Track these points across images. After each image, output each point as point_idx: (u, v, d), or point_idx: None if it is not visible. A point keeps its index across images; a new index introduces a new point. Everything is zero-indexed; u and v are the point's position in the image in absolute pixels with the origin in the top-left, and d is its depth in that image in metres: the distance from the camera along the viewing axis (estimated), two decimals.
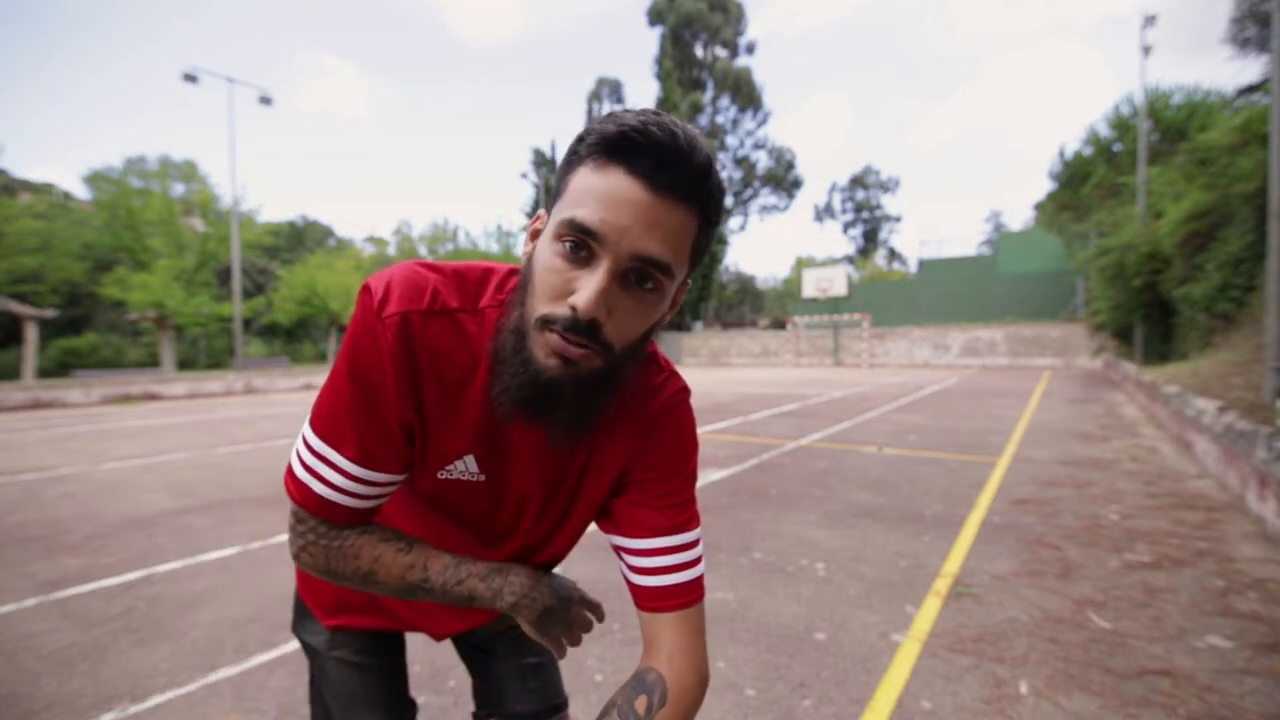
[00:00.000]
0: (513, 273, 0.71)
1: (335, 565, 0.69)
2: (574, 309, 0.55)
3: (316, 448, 0.65)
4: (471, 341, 0.65)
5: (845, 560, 3.10)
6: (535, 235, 0.65)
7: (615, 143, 0.55)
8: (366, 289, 0.63)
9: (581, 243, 0.55)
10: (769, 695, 1.95)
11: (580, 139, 0.58)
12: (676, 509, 0.74)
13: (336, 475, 0.65)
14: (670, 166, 0.55)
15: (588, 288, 0.55)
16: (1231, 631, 2.28)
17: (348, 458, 0.64)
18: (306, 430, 0.67)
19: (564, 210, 0.57)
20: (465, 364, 0.66)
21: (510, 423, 0.66)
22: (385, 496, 0.70)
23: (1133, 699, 1.88)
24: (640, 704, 0.66)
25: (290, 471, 0.68)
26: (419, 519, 0.79)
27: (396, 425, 0.65)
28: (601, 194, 0.55)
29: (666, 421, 0.75)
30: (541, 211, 0.65)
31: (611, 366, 0.60)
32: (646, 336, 0.63)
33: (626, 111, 0.57)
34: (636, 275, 0.57)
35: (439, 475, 0.72)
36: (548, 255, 0.58)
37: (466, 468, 0.71)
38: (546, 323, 0.57)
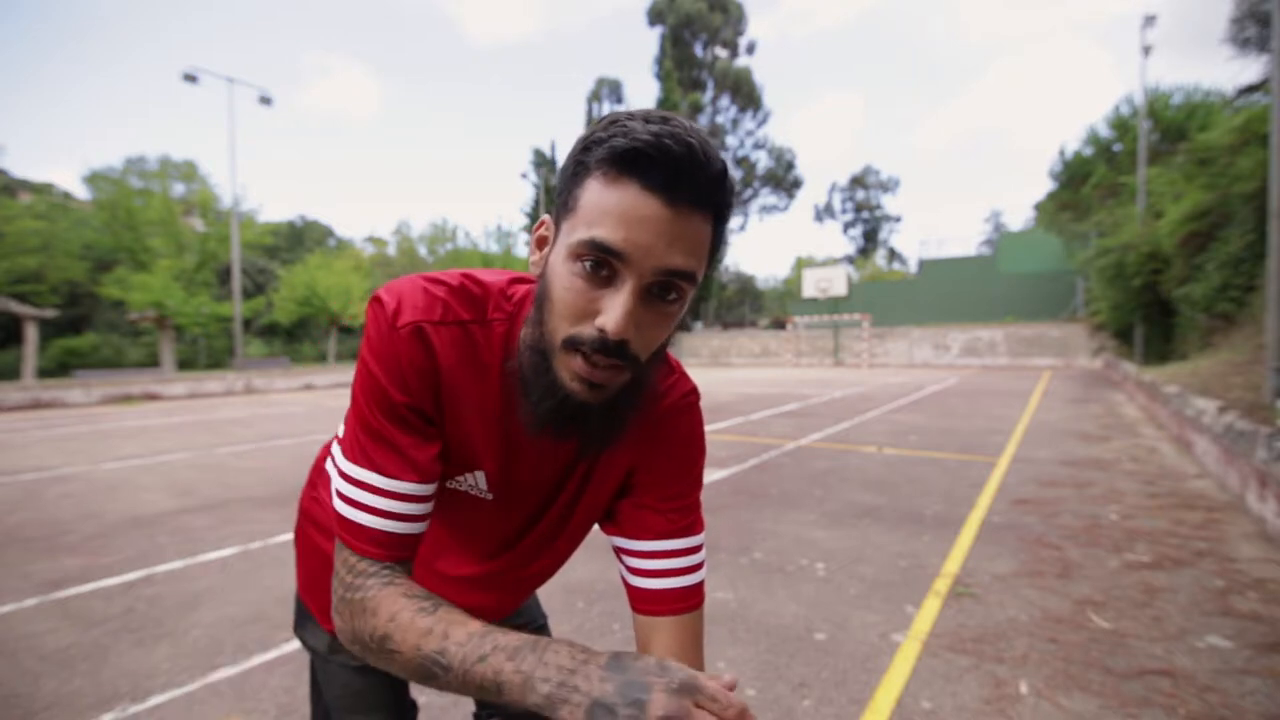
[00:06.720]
0: (516, 281, 0.70)
1: (357, 625, 0.60)
2: (602, 331, 0.54)
3: (353, 475, 0.63)
4: (481, 352, 0.65)
5: (845, 560, 3.10)
6: (541, 244, 0.63)
7: (627, 156, 0.52)
8: (379, 301, 0.62)
9: (603, 262, 0.54)
10: (769, 695, 1.95)
11: (586, 148, 0.56)
12: (680, 513, 0.73)
13: (377, 498, 0.62)
14: (687, 180, 0.53)
15: (615, 309, 0.53)
16: (1231, 631, 2.28)
17: (388, 475, 0.62)
18: (341, 463, 0.64)
19: (579, 229, 0.54)
20: (475, 375, 0.65)
21: (533, 438, 0.65)
22: (427, 515, 0.66)
23: (1133, 699, 1.88)
24: None
25: (335, 509, 0.65)
26: None
27: (425, 431, 0.64)
28: (619, 211, 0.53)
29: (674, 424, 0.73)
30: (545, 218, 0.63)
31: (637, 377, 0.60)
32: (667, 343, 0.63)
33: (632, 118, 0.55)
34: (660, 288, 0.56)
35: (447, 485, 0.71)
36: (565, 275, 0.56)
37: (476, 483, 0.71)
38: (572, 344, 0.56)
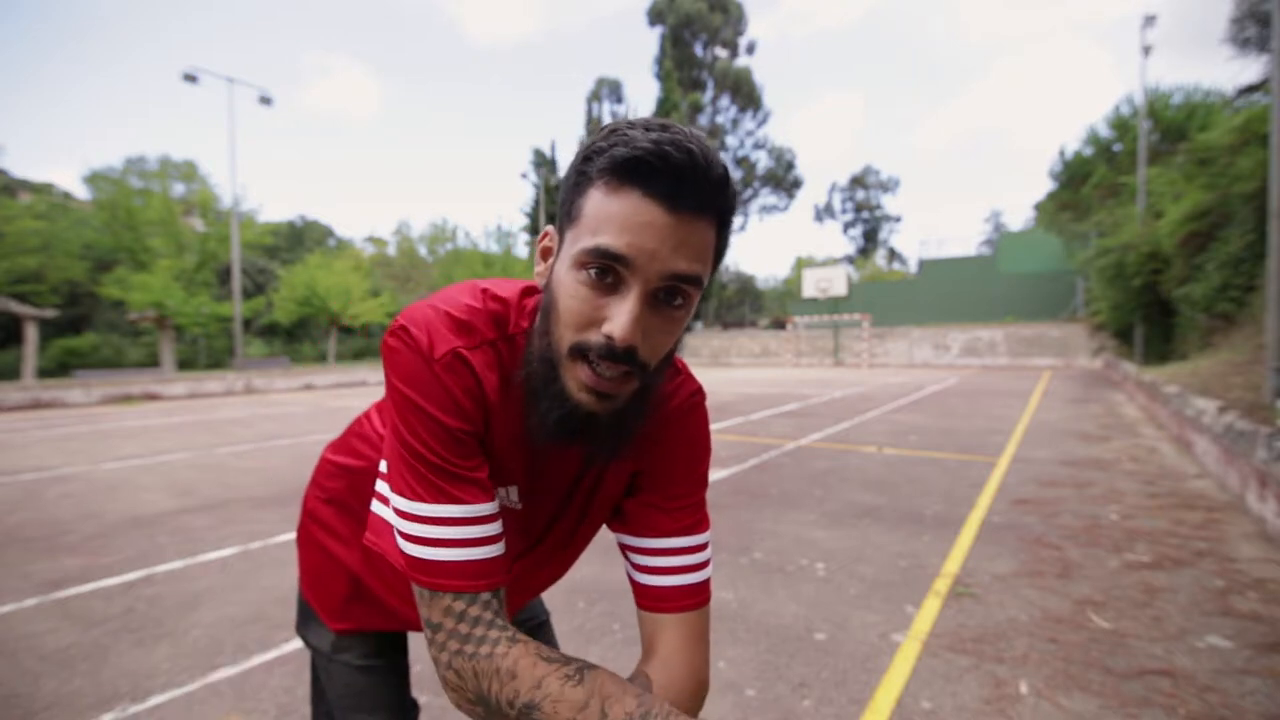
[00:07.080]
0: (527, 292, 0.69)
1: (488, 688, 0.56)
2: (610, 338, 0.54)
3: (430, 513, 0.59)
4: (507, 369, 0.65)
5: (845, 560, 3.10)
6: (546, 254, 0.64)
7: (628, 165, 0.53)
8: (406, 333, 0.60)
9: (608, 269, 0.54)
10: (769, 695, 1.96)
11: (586, 158, 0.56)
12: (686, 511, 0.73)
13: (465, 529, 0.60)
14: (689, 186, 0.53)
15: (622, 315, 0.54)
16: (1231, 631, 2.28)
17: (467, 503, 0.60)
18: (408, 506, 0.60)
19: (583, 237, 0.55)
20: (505, 391, 0.65)
21: (546, 449, 0.65)
22: (502, 532, 0.65)
23: (1133, 699, 1.88)
24: None
25: (407, 559, 0.60)
26: None
27: (479, 452, 0.63)
28: (622, 219, 0.53)
29: (680, 424, 0.74)
30: (549, 229, 0.64)
31: (646, 385, 0.60)
32: (675, 348, 0.63)
33: (632, 126, 0.55)
34: (666, 294, 0.56)
35: None
36: (571, 283, 0.56)
37: (509, 496, 0.71)
38: (579, 352, 0.56)
